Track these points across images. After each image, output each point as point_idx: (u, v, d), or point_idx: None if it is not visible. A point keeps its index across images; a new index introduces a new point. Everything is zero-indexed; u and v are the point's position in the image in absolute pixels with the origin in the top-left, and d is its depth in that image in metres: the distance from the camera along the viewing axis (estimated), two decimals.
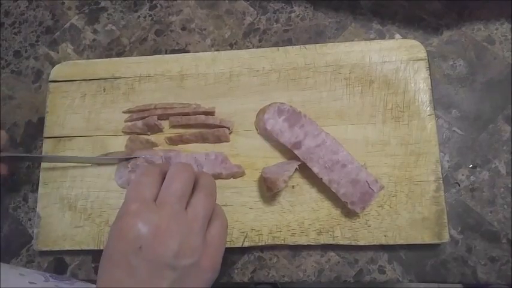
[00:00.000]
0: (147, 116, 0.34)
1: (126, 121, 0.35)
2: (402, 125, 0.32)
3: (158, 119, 0.34)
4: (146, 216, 0.23)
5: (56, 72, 0.36)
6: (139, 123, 0.34)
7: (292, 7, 0.38)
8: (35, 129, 0.37)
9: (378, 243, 0.30)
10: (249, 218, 0.32)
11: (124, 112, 0.35)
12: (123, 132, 0.34)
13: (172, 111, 0.34)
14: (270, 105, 0.32)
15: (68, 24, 0.40)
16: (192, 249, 0.23)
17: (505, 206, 0.32)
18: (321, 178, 0.30)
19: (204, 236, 0.24)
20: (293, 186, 0.32)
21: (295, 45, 0.35)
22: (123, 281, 0.22)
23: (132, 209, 0.23)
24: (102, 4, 0.40)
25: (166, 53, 0.38)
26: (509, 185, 0.32)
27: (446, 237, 0.30)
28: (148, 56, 0.36)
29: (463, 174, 0.32)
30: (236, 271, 0.32)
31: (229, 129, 0.33)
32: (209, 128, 0.33)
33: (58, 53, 0.39)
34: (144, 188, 0.24)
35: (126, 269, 0.22)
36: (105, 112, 0.35)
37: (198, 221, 0.24)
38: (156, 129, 0.34)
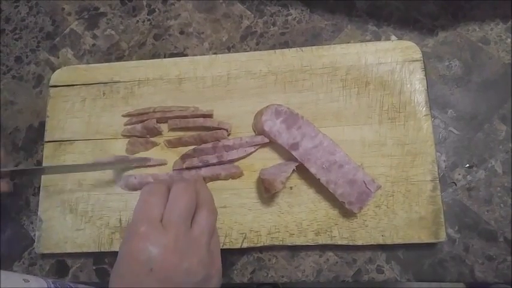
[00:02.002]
0: (146, 120, 0.34)
1: (125, 124, 0.35)
2: (398, 126, 0.32)
3: (157, 122, 0.34)
4: (155, 238, 0.23)
5: (56, 77, 0.37)
6: (139, 126, 0.34)
7: (289, 10, 0.38)
8: (36, 134, 0.37)
9: (375, 243, 0.31)
10: (247, 219, 0.32)
11: (123, 116, 0.35)
12: (122, 135, 0.35)
13: (171, 115, 0.34)
14: (267, 107, 0.33)
15: (67, 30, 0.40)
16: (201, 265, 0.24)
17: (501, 204, 0.32)
18: (319, 179, 0.30)
19: (209, 249, 0.25)
20: (291, 187, 0.32)
21: (292, 47, 0.35)
22: None
23: (141, 231, 0.24)
24: (101, 9, 0.40)
25: (164, 57, 0.38)
26: (506, 184, 0.32)
27: (443, 237, 0.30)
28: (146, 60, 0.37)
29: (459, 174, 0.33)
30: (235, 272, 0.33)
31: (227, 131, 0.33)
32: (207, 131, 0.34)
33: (58, 58, 0.40)
34: (152, 207, 0.25)
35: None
36: (105, 116, 0.35)
37: (203, 237, 0.25)
38: (155, 132, 0.34)
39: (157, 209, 0.25)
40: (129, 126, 0.35)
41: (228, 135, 0.34)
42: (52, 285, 0.28)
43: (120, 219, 0.33)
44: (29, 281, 0.26)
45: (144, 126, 0.34)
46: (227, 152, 0.33)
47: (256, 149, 0.33)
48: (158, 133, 0.34)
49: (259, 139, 0.32)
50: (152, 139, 0.34)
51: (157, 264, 0.23)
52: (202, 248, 0.24)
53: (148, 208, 0.25)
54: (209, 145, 0.33)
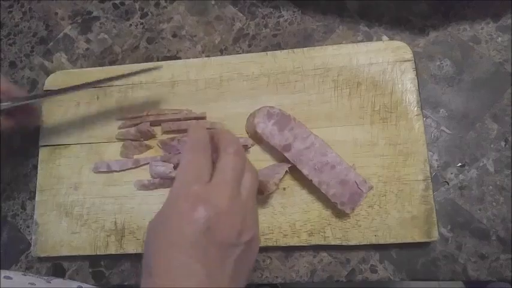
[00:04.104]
0: (140, 123, 0.34)
1: (119, 128, 0.35)
2: (390, 126, 0.33)
3: (151, 125, 0.34)
4: (210, 198, 0.22)
5: (50, 81, 0.37)
6: (133, 129, 0.34)
7: (281, 12, 0.38)
8: (32, 138, 0.38)
9: (368, 243, 0.31)
10: None
11: (118, 120, 0.35)
12: (116, 139, 0.35)
13: (164, 118, 0.34)
14: (259, 109, 0.33)
15: (61, 35, 0.40)
16: (250, 226, 0.23)
17: (493, 203, 0.32)
18: (311, 180, 0.31)
19: (254, 212, 0.24)
20: (284, 189, 0.32)
21: (283, 49, 0.36)
22: (191, 264, 0.21)
23: (194, 191, 0.22)
24: (94, 13, 0.41)
25: (158, 60, 0.38)
26: (498, 183, 0.32)
27: (435, 236, 0.30)
28: (140, 64, 0.37)
29: (451, 173, 0.33)
30: None
31: None
32: None
33: (52, 62, 0.40)
34: (201, 166, 0.23)
35: (195, 252, 0.21)
36: (99, 120, 0.36)
37: (250, 201, 0.24)
38: (149, 135, 0.35)
39: (206, 168, 0.23)
40: (123, 130, 0.35)
41: None
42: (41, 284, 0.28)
43: (116, 222, 0.33)
44: (11, 278, 0.26)
45: (138, 130, 0.34)
46: None
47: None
48: (152, 136, 0.35)
49: (242, 140, 0.33)
50: (146, 142, 0.35)
51: (213, 223, 0.21)
52: (250, 211, 0.24)
53: (196, 167, 0.23)
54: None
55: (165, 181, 0.33)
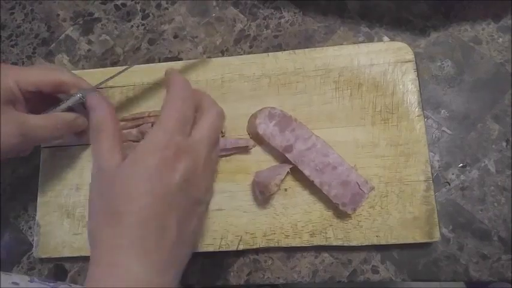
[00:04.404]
0: (141, 124, 0.34)
1: (120, 129, 0.35)
2: (391, 127, 0.33)
3: (152, 126, 0.34)
4: (191, 151, 0.22)
5: None
6: (134, 131, 0.34)
7: (282, 13, 0.38)
8: None
9: (370, 244, 0.31)
10: (243, 222, 0.32)
11: (119, 120, 0.35)
12: None
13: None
14: (261, 110, 0.33)
15: (63, 36, 0.41)
16: (211, 187, 0.24)
17: (495, 203, 0.32)
18: (312, 180, 0.31)
19: (211, 159, 0.24)
20: (286, 189, 0.32)
21: (285, 50, 0.36)
22: (165, 215, 0.20)
23: (177, 141, 0.21)
24: (96, 15, 0.41)
25: (159, 61, 0.38)
26: (499, 183, 0.32)
27: (437, 236, 0.30)
28: (141, 65, 0.37)
29: (453, 174, 0.33)
30: (232, 274, 0.33)
31: (222, 132, 0.34)
32: None
33: (54, 64, 0.40)
34: (187, 119, 0.23)
35: (170, 202, 0.21)
36: None
37: (215, 163, 0.25)
38: None
39: (189, 121, 0.23)
40: (125, 131, 0.35)
41: (222, 136, 0.34)
42: (36, 280, 0.28)
43: None
44: (18, 284, 0.26)
45: (140, 131, 0.34)
46: None
47: (234, 153, 0.33)
48: None
49: (244, 142, 0.33)
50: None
51: (191, 176, 0.21)
52: (213, 173, 0.24)
53: (182, 117, 0.22)
54: None
55: None
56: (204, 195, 0.23)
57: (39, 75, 0.27)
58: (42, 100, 0.28)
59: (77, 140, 0.33)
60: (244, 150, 0.33)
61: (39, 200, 0.35)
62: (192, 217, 0.22)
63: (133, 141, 0.35)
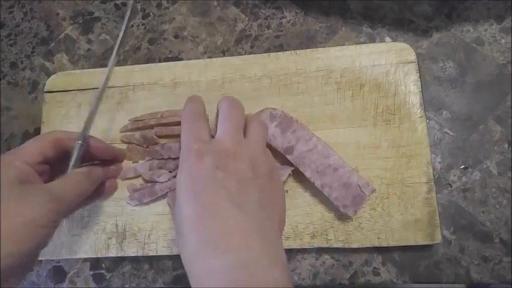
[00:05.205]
0: (142, 126, 0.34)
1: (121, 131, 0.35)
2: (393, 128, 0.32)
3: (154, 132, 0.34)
4: (212, 148, 0.24)
5: (51, 82, 0.37)
6: (137, 134, 0.34)
7: (283, 13, 0.38)
8: None
9: (371, 246, 0.31)
10: None
11: (130, 120, 0.35)
12: (121, 141, 0.35)
13: (165, 121, 0.34)
14: (262, 111, 0.33)
15: (62, 35, 0.40)
16: (263, 161, 0.25)
17: (497, 205, 0.32)
18: (313, 182, 0.30)
19: (265, 155, 0.26)
20: (287, 191, 0.32)
21: (286, 50, 0.35)
22: (215, 201, 0.22)
23: (195, 148, 0.24)
24: (96, 14, 0.40)
25: (159, 61, 0.38)
26: (501, 185, 0.32)
27: (438, 238, 0.30)
28: (141, 65, 0.37)
29: (454, 175, 0.33)
30: None
31: None
32: None
33: (53, 63, 0.40)
34: (199, 130, 0.26)
35: (215, 190, 0.22)
36: (100, 121, 0.35)
37: (259, 143, 0.26)
38: (152, 142, 0.34)
39: (204, 131, 0.26)
40: (128, 133, 0.35)
41: None
42: None
43: (117, 225, 0.33)
44: None
45: (142, 135, 0.34)
46: None
47: None
48: (155, 143, 0.34)
49: None
50: (149, 149, 0.34)
51: (221, 163, 0.23)
52: (260, 152, 0.26)
53: (195, 131, 0.25)
54: None
55: (155, 187, 0.33)
56: (253, 171, 0.24)
57: (36, 142, 0.26)
58: (54, 172, 0.28)
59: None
60: None
61: None
62: (248, 193, 0.23)
63: (137, 145, 0.34)
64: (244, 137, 0.26)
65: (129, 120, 0.35)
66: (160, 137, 0.34)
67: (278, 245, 0.23)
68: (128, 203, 0.33)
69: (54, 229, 0.24)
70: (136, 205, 0.33)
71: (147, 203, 0.33)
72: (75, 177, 0.26)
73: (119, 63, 0.39)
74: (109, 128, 0.35)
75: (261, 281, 0.20)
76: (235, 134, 0.25)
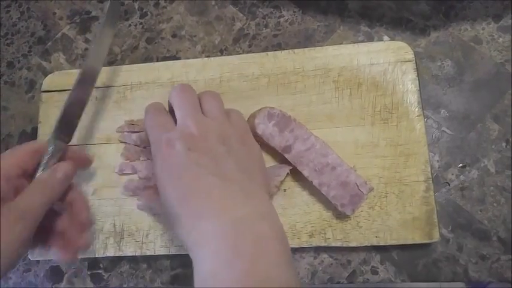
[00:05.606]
0: (138, 131, 0.34)
1: (117, 131, 0.35)
2: (391, 127, 0.32)
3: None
4: (179, 134, 0.25)
5: (48, 82, 0.37)
6: (134, 135, 0.34)
7: (281, 12, 0.38)
8: (29, 139, 0.37)
9: (369, 244, 0.31)
10: None
11: (126, 122, 0.35)
12: (119, 140, 0.35)
13: None
14: (260, 110, 0.33)
15: (59, 34, 0.40)
16: (229, 133, 0.26)
17: (494, 204, 0.32)
18: (311, 181, 0.30)
19: (230, 123, 0.27)
20: (285, 190, 0.32)
21: (284, 49, 0.35)
22: (197, 178, 0.23)
23: (165, 138, 0.25)
24: (93, 13, 0.40)
25: (157, 61, 0.38)
26: (499, 183, 0.32)
27: (436, 237, 0.30)
28: (139, 64, 0.36)
29: (452, 174, 0.33)
30: None
31: None
32: None
33: (50, 63, 0.39)
34: (165, 121, 0.27)
35: (193, 169, 0.23)
36: (98, 121, 0.35)
37: (219, 115, 0.27)
38: (147, 143, 0.34)
39: (167, 121, 0.27)
40: (125, 133, 0.35)
41: None
42: None
43: (115, 224, 0.33)
44: None
45: (139, 137, 0.34)
46: None
47: None
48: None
49: None
50: (146, 149, 0.34)
51: (191, 144, 0.24)
52: (222, 123, 0.27)
53: (159, 123, 0.27)
54: None
55: (150, 181, 0.33)
56: (224, 143, 0.25)
57: (12, 155, 0.25)
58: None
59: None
60: None
61: None
62: (225, 161, 0.24)
63: (134, 145, 0.34)
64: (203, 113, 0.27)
65: (125, 122, 0.35)
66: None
67: (264, 201, 0.24)
68: (122, 194, 0.33)
69: (23, 248, 0.23)
70: (130, 196, 0.33)
71: (140, 198, 0.33)
72: (39, 185, 0.25)
73: (116, 63, 0.38)
74: (107, 128, 0.35)
75: (250, 233, 0.21)
76: (195, 114, 0.26)
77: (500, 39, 0.35)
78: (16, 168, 0.25)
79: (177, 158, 0.24)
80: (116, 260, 0.34)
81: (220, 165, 0.24)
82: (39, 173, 0.26)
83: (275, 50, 0.35)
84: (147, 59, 0.38)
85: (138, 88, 0.36)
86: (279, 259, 0.21)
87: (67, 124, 0.29)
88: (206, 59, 0.36)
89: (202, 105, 0.28)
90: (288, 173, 0.31)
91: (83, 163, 0.30)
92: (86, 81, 0.30)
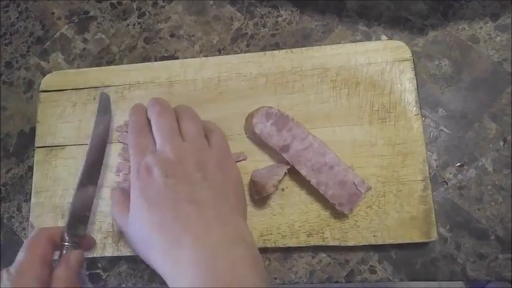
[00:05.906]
0: None
1: (116, 131, 0.35)
2: (389, 126, 0.32)
3: None
4: (158, 159, 0.26)
5: (46, 82, 0.37)
6: None
7: (279, 11, 0.38)
8: (27, 139, 0.37)
9: (367, 244, 0.31)
10: None
11: (125, 122, 0.35)
12: (117, 140, 0.35)
13: None
14: (258, 109, 0.33)
15: (58, 34, 0.40)
16: (206, 158, 0.27)
17: (492, 203, 0.32)
18: (309, 180, 0.30)
19: (208, 146, 0.29)
20: (283, 189, 0.32)
21: (282, 49, 0.35)
22: (173, 205, 0.24)
23: (144, 163, 0.26)
24: (92, 13, 0.40)
25: (155, 60, 0.38)
26: (496, 182, 0.32)
27: (434, 236, 0.30)
28: (137, 64, 0.36)
29: (450, 173, 0.33)
30: None
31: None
32: None
33: (49, 62, 0.39)
34: (146, 143, 0.28)
35: (170, 196, 0.25)
36: None
37: (197, 138, 0.28)
38: None
39: (148, 143, 0.29)
40: (124, 133, 0.35)
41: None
42: None
43: (113, 224, 0.33)
44: None
45: None
46: None
47: None
48: None
49: (235, 156, 0.33)
50: None
51: (169, 170, 0.26)
52: (201, 147, 0.28)
53: (140, 146, 0.28)
54: None
55: None
56: (200, 170, 0.26)
57: (34, 252, 0.26)
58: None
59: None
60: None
61: (33, 200, 0.34)
62: (199, 186, 0.26)
63: None
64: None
65: (124, 122, 0.35)
66: None
67: (239, 225, 0.25)
68: (115, 174, 0.34)
69: None
70: (119, 175, 0.33)
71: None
72: (59, 281, 0.26)
73: (114, 63, 0.39)
74: None
75: (225, 259, 0.22)
76: (172, 139, 0.27)
77: (498, 38, 0.35)
78: (43, 264, 0.26)
79: (155, 183, 0.25)
80: (115, 260, 0.34)
81: (195, 192, 0.25)
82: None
83: (273, 50, 0.35)
84: (145, 59, 0.38)
85: (137, 88, 0.36)
86: (254, 280, 0.22)
87: (79, 220, 0.30)
88: (204, 58, 0.36)
89: (181, 126, 0.29)
90: (285, 172, 0.31)
91: (88, 247, 0.31)
92: (90, 179, 0.31)
